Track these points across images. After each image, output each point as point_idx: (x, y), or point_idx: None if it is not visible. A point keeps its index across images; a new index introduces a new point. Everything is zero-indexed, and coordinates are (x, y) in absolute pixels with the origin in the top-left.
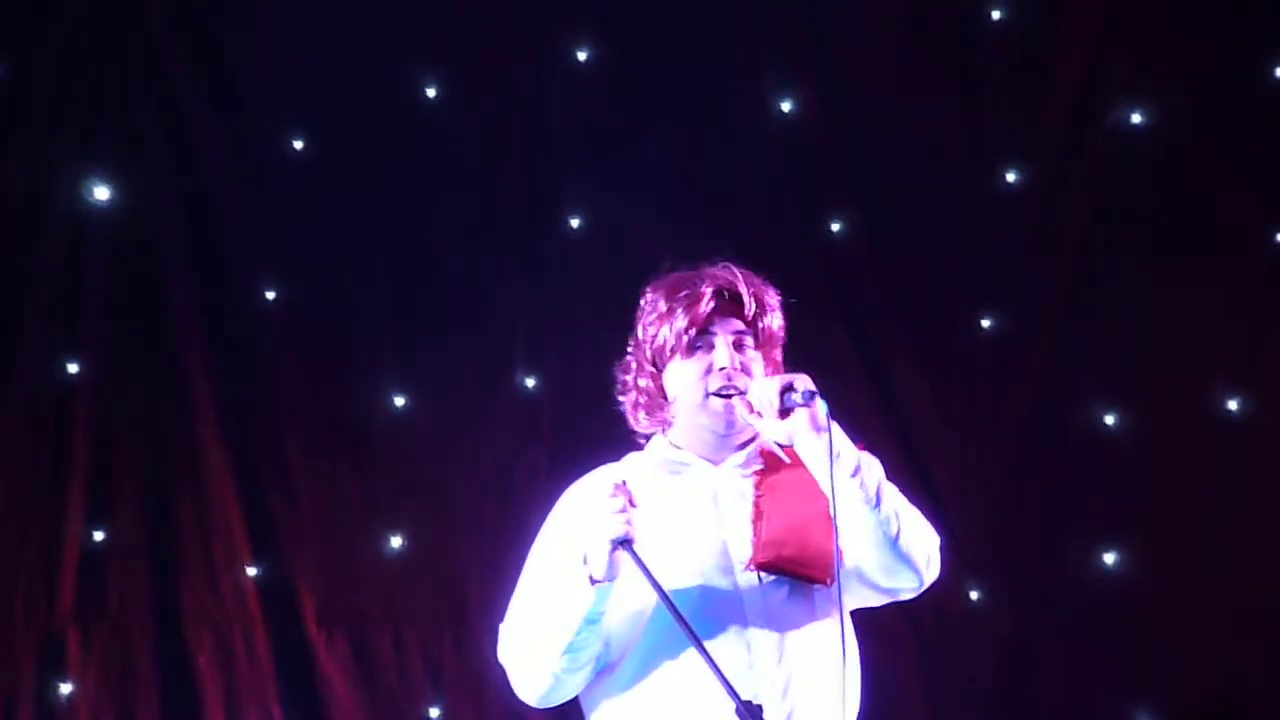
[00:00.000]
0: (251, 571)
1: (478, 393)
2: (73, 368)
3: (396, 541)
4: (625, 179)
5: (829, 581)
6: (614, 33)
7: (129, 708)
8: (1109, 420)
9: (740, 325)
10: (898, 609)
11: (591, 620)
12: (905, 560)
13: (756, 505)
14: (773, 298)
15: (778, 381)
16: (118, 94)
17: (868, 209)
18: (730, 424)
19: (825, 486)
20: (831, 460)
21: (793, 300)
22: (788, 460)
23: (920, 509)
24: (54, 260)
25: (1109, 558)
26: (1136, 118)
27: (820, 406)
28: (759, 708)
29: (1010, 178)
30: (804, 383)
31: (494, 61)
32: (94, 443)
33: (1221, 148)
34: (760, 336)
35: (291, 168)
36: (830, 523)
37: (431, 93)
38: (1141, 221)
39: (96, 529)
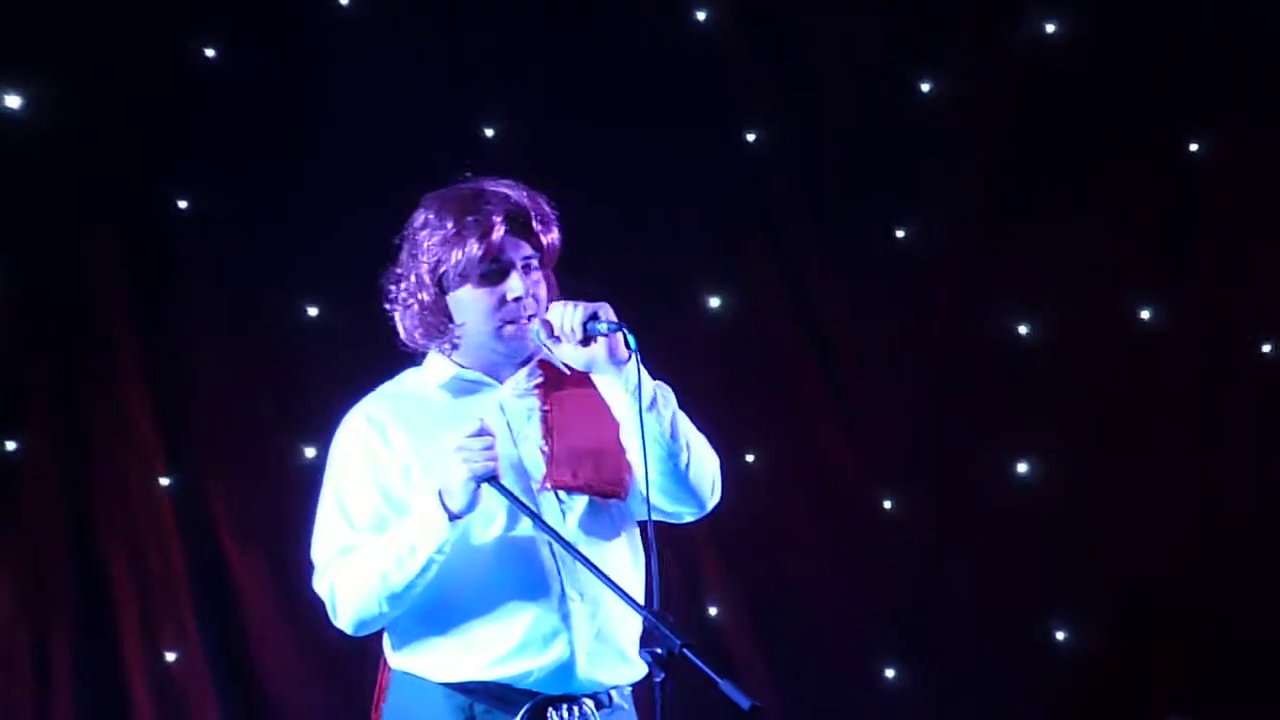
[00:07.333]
0: (165, 483)
1: None
2: None
3: (310, 453)
4: (541, 89)
5: (624, 495)
6: None
7: (43, 620)
8: (1023, 330)
9: (529, 249)
10: (811, 518)
11: (441, 552)
12: (691, 490)
13: (546, 422)
14: (553, 214)
15: (583, 310)
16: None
17: (785, 119)
18: (523, 350)
19: (619, 414)
20: (641, 400)
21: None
22: (568, 373)
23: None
24: None
25: (1021, 467)
26: (1051, 27)
27: (623, 338)
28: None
29: (926, 88)
30: (607, 312)
31: None
32: (4, 351)
33: (1137, 57)
34: (545, 256)
35: (203, 76)
36: (618, 437)
37: (345, 1)
38: (1057, 130)
39: (8, 439)
